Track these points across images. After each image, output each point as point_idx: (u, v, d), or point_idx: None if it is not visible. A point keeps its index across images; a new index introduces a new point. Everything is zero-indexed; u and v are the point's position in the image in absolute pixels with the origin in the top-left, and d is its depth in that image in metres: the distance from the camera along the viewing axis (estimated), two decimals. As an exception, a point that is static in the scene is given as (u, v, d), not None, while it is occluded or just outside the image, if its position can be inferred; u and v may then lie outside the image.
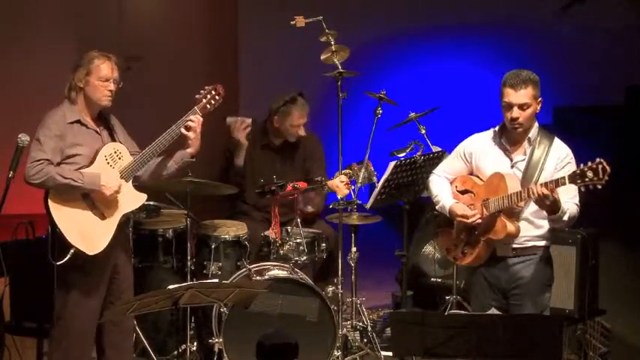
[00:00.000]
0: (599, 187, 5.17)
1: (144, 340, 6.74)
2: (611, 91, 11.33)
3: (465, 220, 5.63)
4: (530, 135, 5.59)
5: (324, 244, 7.02)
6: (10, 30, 10.37)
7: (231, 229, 7.01)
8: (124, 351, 6.19)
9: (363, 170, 6.92)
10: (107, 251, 5.89)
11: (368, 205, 7.19)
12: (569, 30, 11.32)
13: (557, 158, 5.55)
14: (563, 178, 5.26)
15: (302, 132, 7.43)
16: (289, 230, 6.81)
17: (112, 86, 5.91)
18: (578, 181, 5.20)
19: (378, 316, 7.83)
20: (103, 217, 5.89)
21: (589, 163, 5.19)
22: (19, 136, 5.69)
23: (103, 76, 5.88)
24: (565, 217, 5.45)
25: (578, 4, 11.27)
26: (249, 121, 7.49)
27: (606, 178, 5.14)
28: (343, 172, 6.85)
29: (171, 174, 6.16)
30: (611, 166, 5.14)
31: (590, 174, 5.16)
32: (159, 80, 10.90)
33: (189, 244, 6.86)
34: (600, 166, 5.14)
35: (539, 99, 5.56)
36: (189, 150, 6.07)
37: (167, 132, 5.97)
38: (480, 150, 5.71)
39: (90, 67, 5.86)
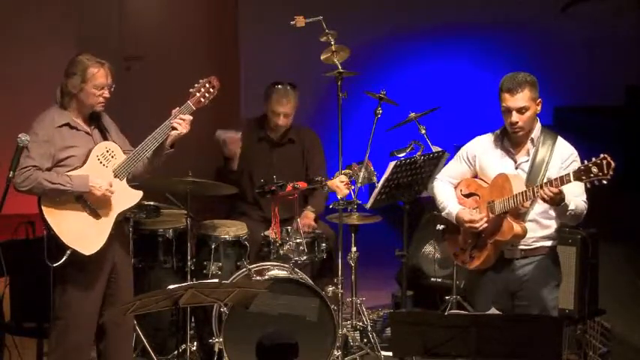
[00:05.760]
0: (605, 182, 5.12)
1: (144, 340, 6.74)
2: (611, 91, 11.32)
3: (473, 226, 5.59)
4: (532, 135, 5.56)
5: (324, 244, 7.02)
6: (10, 30, 10.36)
7: (231, 229, 7.01)
8: (124, 352, 6.18)
9: (363, 170, 6.90)
10: (105, 250, 5.87)
11: (368, 205, 7.18)
12: (570, 30, 11.32)
13: (562, 157, 5.51)
14: (568, 175, 5.22)
15: (281, 122, 7.32)
16: (289, 230, 6.81)
17: (106, 93, 5.89)
18: (583, 178, 5.15)
19: (378, 316, 7.81)
20: (97, 216, 5.86)
21: (593, 159, 5.14)
22: (19, 136, 5.68)
23: (99, 84, 5.85)
24: (571, 207, 5.38)
25: (578, 4, 11.27)
26: (239, 136, 7.31)
27: (611, 172, 5.09)
28: (343, 172, 6.84)
29: (159, 166, 6.12)
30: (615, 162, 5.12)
31: (594, 169, 5.11)
32: (159, 80, 10.89)
33: (189, 244, 6.86)
34: (605, 161, 5.10)
35: (539, 100, 5.52)
36: (167, 142, 5.99)
37: (160, 127, 5.93)
38: (484, 152, 5.67)
39: (85, 76, 5.82)
